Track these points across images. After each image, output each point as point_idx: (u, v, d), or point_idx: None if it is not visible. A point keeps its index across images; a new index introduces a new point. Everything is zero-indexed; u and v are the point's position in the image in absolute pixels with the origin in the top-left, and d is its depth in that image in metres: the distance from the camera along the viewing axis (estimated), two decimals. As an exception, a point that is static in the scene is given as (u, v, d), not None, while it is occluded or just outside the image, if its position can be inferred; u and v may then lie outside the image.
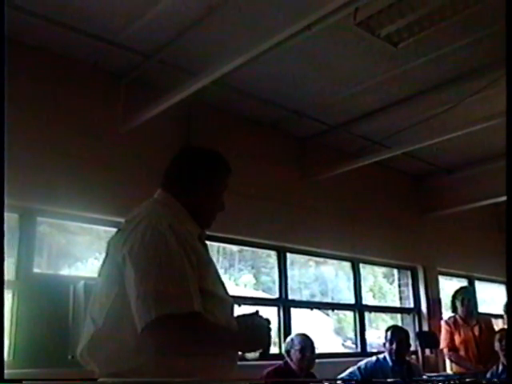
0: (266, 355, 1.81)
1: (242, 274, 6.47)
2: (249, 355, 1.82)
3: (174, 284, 1.58)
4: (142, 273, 1.59)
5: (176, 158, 1.98)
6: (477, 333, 5.37)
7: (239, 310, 1.88)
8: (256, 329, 1.79)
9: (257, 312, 1.87)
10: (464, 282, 7.93)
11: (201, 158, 1.97)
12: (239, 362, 1.83)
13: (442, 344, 5.54)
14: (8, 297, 4.07)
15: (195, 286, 1.62)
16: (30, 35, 4.12)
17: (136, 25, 4.02)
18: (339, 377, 4.41)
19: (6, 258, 4.30)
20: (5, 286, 4.08)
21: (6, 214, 4.21)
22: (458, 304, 5.51)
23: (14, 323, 3.91)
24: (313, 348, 4.18)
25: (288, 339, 4.35)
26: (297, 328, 5.39)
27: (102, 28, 4.11)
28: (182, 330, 1.59)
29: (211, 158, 1.97)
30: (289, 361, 4.17)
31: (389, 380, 4.38)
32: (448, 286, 7.62)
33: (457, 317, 5.51)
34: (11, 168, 3.99)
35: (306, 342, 4.17)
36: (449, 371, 5.76)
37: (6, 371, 3.64)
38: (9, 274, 4.15)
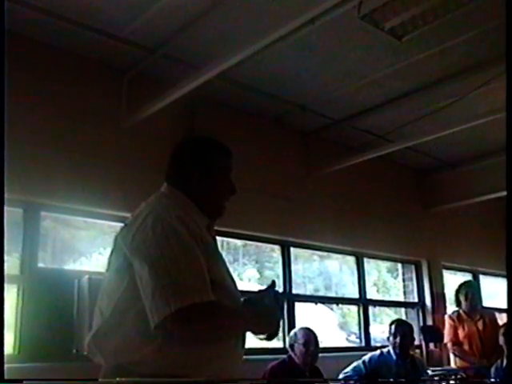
0: (272, 338, 1.82)
1: (246, 269, 6.47)
2: (257, 336, 1.82)
3: (191, 275, 1.58)
4: (156, 267, 1.58)
5: (174, 150, 1.98)
6: (481, 327, 5.36)
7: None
8: (265, 309, 1.78)
9: (272, 284, 1.87)
10: (468, 277, 7.92)
11: (196, 146, 1.97)
12: (244, 356, 1.83)
13: (446, 338, 5.53)
14: (12, 291, 4.08)
15: (207, 276, 1.63)
16: (32, 29, 4.12)
17: (140, 19, 4.02)
18: (344, 371, 4.41)
19: (10, 253, 4.34)
20: (9, 281, 4.12)
21: (10, 209, 4.24)
22: (462, 298, 5.49)
23: (19, 318, 3.93)
24: (316, 342, 4.18)
25: (291, 333, 4.35)
26: (301, 322, 5.39)
27: (105, 23, 4.11)
28: (203, 319, 1.58)
29: (206, 145, 1.96)
30: (292, 355, 4.17)
31: (392, 380, 4.38)
32: (452, 281, 7.61)
33: (460, 311, 5.49)
34: (15, 163, 4.02)
35: (309, 336, 4.17)
36: (453, 365, 5.76)
37: (11, 365, 3.67)
38: (13, 268, 4.17)
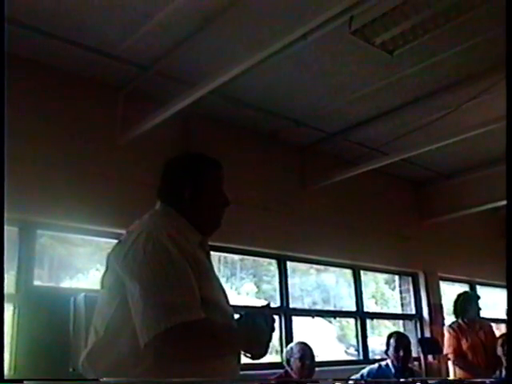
0: (258, 358, 1.81)
1: (244, 283, 6.47)
2: (245, 354, 1.83)
3: (181, 293, 1.60)
4: (146, 285, 1.60)
5: (164, 168, 1.99)
6: (483, 338, 5.30)
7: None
8: (255, 329, 1.78)
9: (267, 305, 1.89)
10: (465, 287, 7.91)
11: (185, 162, 1.99)
12: (241, 372, 1.84)
13: (448, 350, 5.45)
14: (9, 310, 4.07)
15: (198, 295, 1.64)
16: (25, 48, 4.13)
17: (133, 37, 4.05)
18: (341, 385, 4.40)
19: (7, 271, 4.33)
20: (5, 300, 4.11)
21: (5, 228, 4.23)
22: (462, 309, 5.46)
23: (15, 336, 3.91)
24: (312, 356, 4.18)
25: (287, 348, 4.35)
26: (299, 336, 5.38)
27: (98, 41, 4.14)
28: (193, 337, 1.60)
29: (194, 160, 1.98)
30: (289, 370, 4.17)
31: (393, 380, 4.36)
32: (449, 292, 7.61)
33: (460, 322, 5.45)
34: (11, 182, 4.01)
35: (305, 350, 4.17)
36: (452, 377, 5.72)
37: (7, 385, 3.63)
38: (9, 287, 4.16)
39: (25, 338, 3.91)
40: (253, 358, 1.80)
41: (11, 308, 4.05)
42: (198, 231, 1.87)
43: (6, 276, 4.33)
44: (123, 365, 1.61)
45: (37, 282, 4.21)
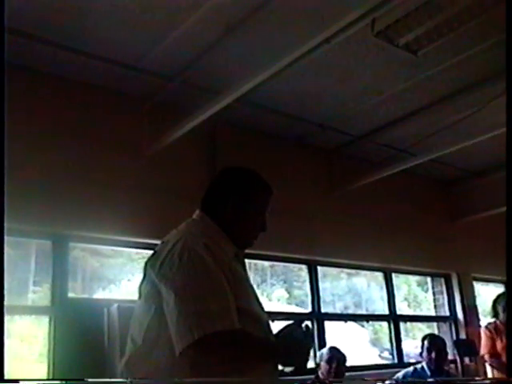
0: (300, 370, 1.79)
1: (275, 289, 6.47)
2: (284, 369, 1.82)
3: (215, 303, 1.60)
4: (181, 295, 1.61)
5: (215, 177, 2.00)
6: (519, 338, 5.21)
7: (273, 326, 1.87)
8: (293, 343, 1.77)
9: (301, 323, 1.84)
10: (501, 287, 7.76)
11: (236, 177, 1.97)
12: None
13: (483, 350, 5.38)
14: (44, 322, 4.14)
15: (233, 304, 1.64)
16: (51, 64, 4.21)
17: (157, 49, 4.09)
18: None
19: (41, 284, 4.41)
20: (41, 312, 4.19)
21: (39, 241, 4.32)
22: (500, 309, 5.36)
23: (52, 348, 3.97)
24: (340, 359, 4.15)
25: (319, 353, 4.36)
26: (331, 341, 5.35)
27: (123, 54, 4.20)
28: (226, 348, 1.61)
29: (246, 178, 1.97)
30: (319, 374, 4.17)
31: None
32: (484, 292, 7.48)
33: (497, 322, 5.35)
34: (42, 196, 4.10)
35: (332, 352, 4.19)
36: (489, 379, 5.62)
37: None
38: (44, 300, 4.23)
39: (61, 349, 3.96)
40: (293, 371, 1.79)
41: (47, 320, 4.11)
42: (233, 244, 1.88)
43: (40, 289, 4.43)
44: (161, 373, 1.62)
45: (71, 294, 4.27)
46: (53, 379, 2.40)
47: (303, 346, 1.79)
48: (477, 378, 4.66)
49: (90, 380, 1.67)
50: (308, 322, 1.89)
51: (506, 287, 2.13)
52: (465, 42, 4.16)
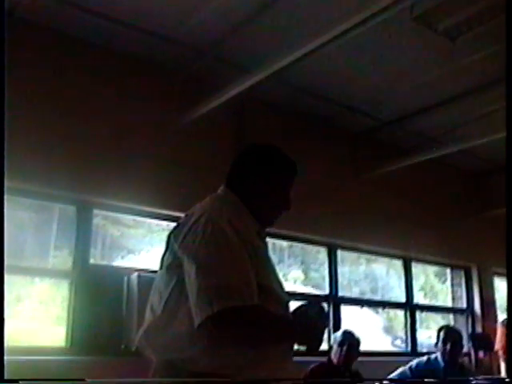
0: (314, 350, 1.79)
1: (292, 270, 6.47)
2: (300, 347, 1.81)
3: (236, 278, 1.61)
4: (203, 267, 1.61)
5: (241, 153, 1.99)
6: (535, 335, 5.17)
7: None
8: (308, 321, 1.76)
9: (316, 303, 1.84)
10: (521, 283, 7.67)
11: (262, 154, 1.96)
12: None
13: (498, 345, 5.37)
14: (64, 286, 4.20)
15: (254, 280, 1.64)
16: (87, 32, 4.23)
17: (191, 21, 4.06)
18: (389, 377, 4.35)
19: (61, 249, 4.46)
20: (62, 276, 4.25)
21: (63, 206, 4.37)
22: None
23: (71, 312, 4.04)
24: (352, 343, 4.14)
25: (333, 336, 4.37)
26: (346, 325, 5.35)
27: (158, 25, 4.18)
28: (244, 323, 1.61)
29: (272, 156, 1.96)
30: (332, 356, 4.18)
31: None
32: (504, 287, 7.40)
33: (514, 318, 5.32)
34: (70, 162, 4.14)
35: (345, 335, 4.18)
36: (503, 375, 5.60)
37: (61, 357, 3.78)
38: (65, 264, 4.29)
39: (80, 313, 4.02)
40: (307, 350, 1.79)
41: (66, 284, 4.17)
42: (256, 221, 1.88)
43: (60, 253, 4.48)
44: (179, 344, 1.63)
45: (92, 261, 4.32)
46: (56, 379, 2.47)
47: (318, 325, 1.79)
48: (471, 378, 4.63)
49: (90, 380, 1.68)
50: (324, 304, 1.88)
51: (507, 287, 2.09)
52: (504, 30, 4.05)
